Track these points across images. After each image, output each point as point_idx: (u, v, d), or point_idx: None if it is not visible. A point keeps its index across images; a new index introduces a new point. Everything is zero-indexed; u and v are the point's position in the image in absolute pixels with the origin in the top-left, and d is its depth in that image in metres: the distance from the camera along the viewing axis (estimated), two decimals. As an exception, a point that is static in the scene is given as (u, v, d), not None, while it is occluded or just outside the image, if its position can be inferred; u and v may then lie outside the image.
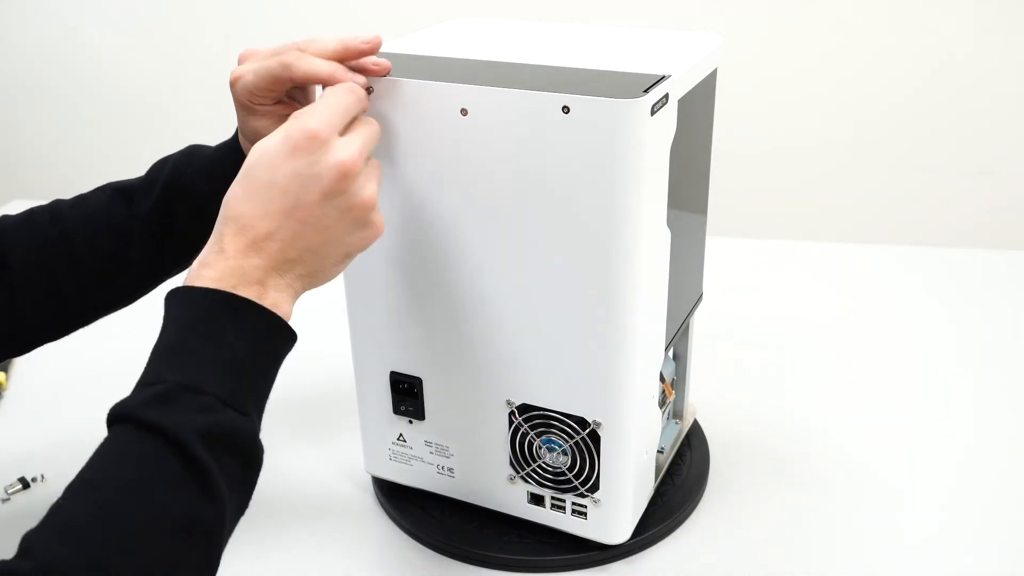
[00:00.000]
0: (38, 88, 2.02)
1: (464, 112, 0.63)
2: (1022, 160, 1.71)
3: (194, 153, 0.74)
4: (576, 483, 0.72)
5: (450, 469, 0.77)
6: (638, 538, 0.76)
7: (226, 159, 0.71)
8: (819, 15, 1.66)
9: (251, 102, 0.66)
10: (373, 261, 0.71)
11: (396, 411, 0.77)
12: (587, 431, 0.70)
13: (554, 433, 0.71)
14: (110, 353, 1.08)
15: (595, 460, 0.71)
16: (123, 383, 1.04)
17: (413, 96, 0.64)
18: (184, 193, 0.72)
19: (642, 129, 0.59)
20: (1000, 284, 1.19)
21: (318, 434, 0.92)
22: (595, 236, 0.63)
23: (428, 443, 0.77)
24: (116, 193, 0.74)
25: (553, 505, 0.74)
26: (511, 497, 0.76)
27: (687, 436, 0.87)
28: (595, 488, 0.72)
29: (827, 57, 1.68)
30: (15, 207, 1.51)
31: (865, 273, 1.22)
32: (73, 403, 0.98)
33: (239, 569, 0.76)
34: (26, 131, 2.06)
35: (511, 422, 0.72)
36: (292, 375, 1.02)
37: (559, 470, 0.72)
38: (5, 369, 1.02)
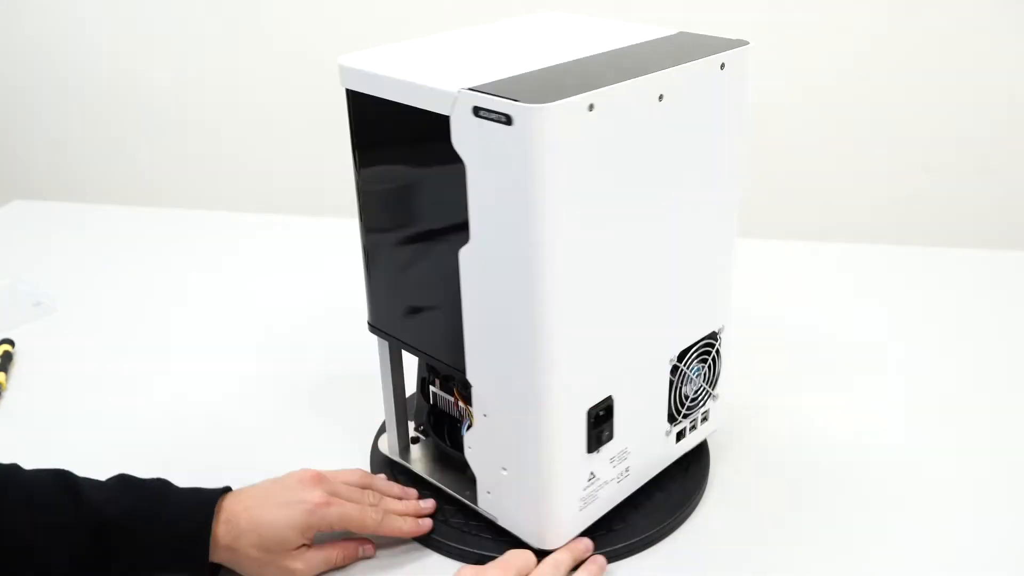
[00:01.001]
0: (38, 88, 2.02)
1: (660, 98, 0.65)
2: (1022, 160, 1.71)
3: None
4: (710, 391, 0.81)
5: (626, 469, 0.76)
6: (638, 538, 0.76)
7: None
8: (818, 15, 1.66)
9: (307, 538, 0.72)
10: (588, 294, 0.67)
11: (591, 449, 0.71)
12: (718, 341, 0.80)
13: (697, 361, 0.78)
14: (110, 353, 1.08)
15: (717, 361, 0.80)
16: (122, 383, 1.04)
17: (623, 97, 0.63)
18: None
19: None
20: (1000, 284, 1.19)
21: (318, 433, 0.92)
22: (730, 168, 0.75)
23: (612, 459, 0.74)
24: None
25: (690, 429, 0.81)
26: (667, 450, 0.80)
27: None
28: (716, 384, 0.81)
29: (827, 57, 1.68)
30: (15, 207, 1.52)
31: (865, 273, 1.22)
32: (73, 403, 0.98)
33: (239, 569, 0.76)
34: (26, 131, 2.07)
35: (671, 377, 0.76)
36: (293, 373, 1.02)
37: (696, 393, 0.80)
38: (5, 369, 1.02)
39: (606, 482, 0.74)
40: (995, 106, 1.68)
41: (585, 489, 0.73)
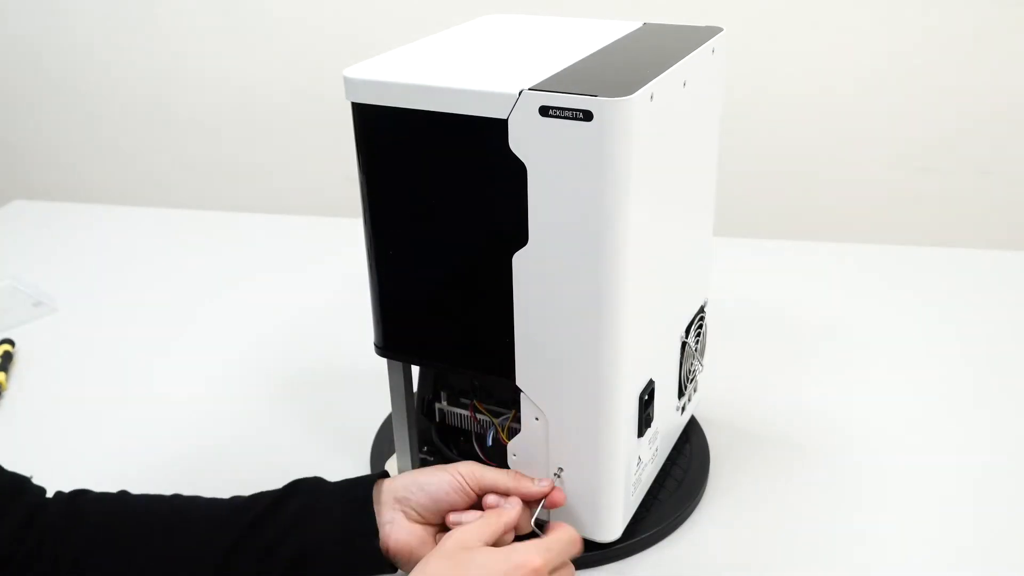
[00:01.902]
0: (38, 88, 2.02)
1: (684, 84, 0.67)
2: (1022, 160, 1.71)
3: (317, 518, 0.67)
4: (701, 362, 0.84)
5: (656, 449, 0.78)
6: (638, 537, 0.76)
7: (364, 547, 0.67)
8: (818, 14, 1.66)
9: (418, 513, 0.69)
10: (642, 284, 0.67)
11: (640, 433, 0.72)
12: (704, 312, 0.83)
13: (693, 335, 0.81)
14: (110, 353, 1.08)
15: (704, 332, 0.84)
16: (122, 383, 1.04)
17: (666, 86, 0.64)
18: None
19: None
20: (1000, 284, 1.19)
21: (321, 432, 0.92)
22: (714, 144, 0.80)
23: (650, 441, 0.75)
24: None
25: (688, 400, 0.84)
26: (676, 425, 0.84)
27: (686, 433, 0.88)
28: (703, 353, 0.84)
29: (826, 56, 1.68)
30: (15, 207, 1.52)
31: (865, 273, 1.22)
32: (73, 403, 0.98)
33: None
34: (26, 131, 2.06)
35: (681, 354, 0.79)
36: (292, 373, 1.02)
37: (695, 367, 0.82)
38: (5, 369, 1.02)
39: (646, 464, 0.76)
40: (995, 106, 1.68)
41: (635, 474, 0.74)
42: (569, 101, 0.59)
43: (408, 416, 0.79)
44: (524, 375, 0.69)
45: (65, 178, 2.05)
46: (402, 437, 0.80)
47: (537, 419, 0.70)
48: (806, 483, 0.84)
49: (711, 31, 0.75)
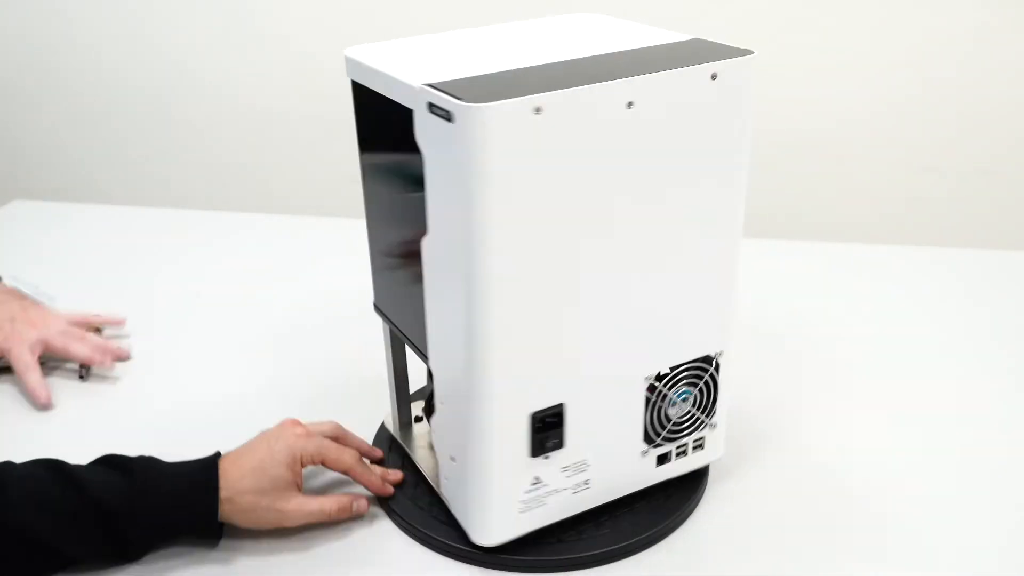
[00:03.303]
0: (38, 88, 2.02)
1: (630, 104, 0.63)
2: (1022, 160, 1.71)
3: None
4: (703, 418, 0.78)
5: (586, 482, 0.74)
6: (638, 538, 0.76)
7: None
8: (818, 14, 1.66)
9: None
10: (533, 298, 0.66)
11: (536, 453, 0.71)
12: (713, 366, 0.76)
13: (684, 384, 0.75)
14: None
15: (714, 388, 0.77)
16: (122, 383, 1.04)
17: (579, 102, 0.62)
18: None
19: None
20: (1000, 284, 1.19)
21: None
22: (726, 185, 0.71)
23: (565, 468, 0.73)
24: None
25: (677, 454, 0.78)
26: (642, 472, 0.78)
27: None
28: (712, 413, 0.78)
29: (826, 57, 1.68)
30: (15, 207, 1.52)
31: (866, 273, 1.22)
32: (72, 403, 0.98)
33: (245, 573, 0.76)
34: (26, 131, 2.07)
35: (648, 397, 0.74)
36: (293, 373, 1.02)
37: (683, 418, 0.76)
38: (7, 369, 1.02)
39: (557, 490, 0.74)
40: (995, 106, 1.68)
41: (528, 492, 0.72)
42: (440, 101, 0.60)
43: (396, 373, 0.85)
44: (433, 358, 0.72)
45: (65, 178, 2.05)
46: (391, 392, 0.86)
47: (443, 404, 0.72)
48: (806, 484, 0.84)
49: (726, 52, 0.68)
